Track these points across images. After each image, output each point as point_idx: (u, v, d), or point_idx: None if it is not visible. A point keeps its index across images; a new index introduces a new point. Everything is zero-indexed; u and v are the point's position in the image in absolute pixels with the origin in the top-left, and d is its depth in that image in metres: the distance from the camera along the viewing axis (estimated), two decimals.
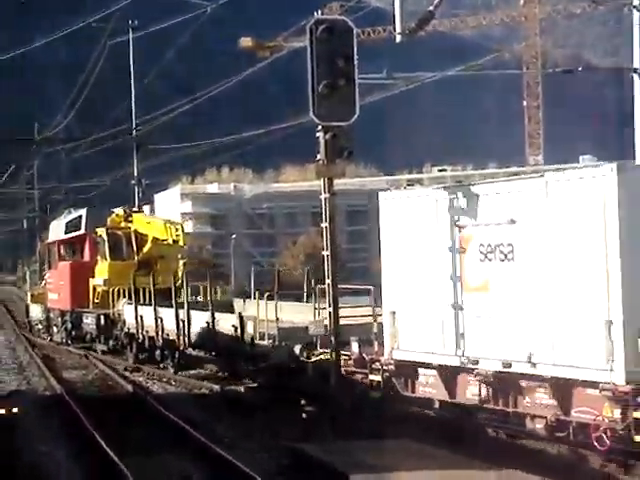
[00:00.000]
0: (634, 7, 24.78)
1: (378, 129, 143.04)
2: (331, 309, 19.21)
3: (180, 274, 32.84)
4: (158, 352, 31.64)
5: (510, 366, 16.23)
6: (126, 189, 57.45)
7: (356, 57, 18.56)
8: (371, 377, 19.64)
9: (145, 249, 37.98)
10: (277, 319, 24.12)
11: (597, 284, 14.83)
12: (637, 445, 14.28)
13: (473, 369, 17.03)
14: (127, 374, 30.90)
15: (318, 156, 18.80)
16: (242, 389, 25.36)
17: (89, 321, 38.99)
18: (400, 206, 19.05)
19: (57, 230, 45.38)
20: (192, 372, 30.07)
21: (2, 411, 20.95)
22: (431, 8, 21.39)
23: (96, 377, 31.03)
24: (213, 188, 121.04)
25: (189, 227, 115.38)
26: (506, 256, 16.53)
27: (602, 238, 14.76)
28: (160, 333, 30.74)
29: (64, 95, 71.15)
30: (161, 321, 30.63)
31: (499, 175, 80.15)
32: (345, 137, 18.65)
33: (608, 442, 14.68)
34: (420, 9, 22.98)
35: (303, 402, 21.26)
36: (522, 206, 16.21)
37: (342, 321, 20.71)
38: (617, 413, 14.51)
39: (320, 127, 18.55)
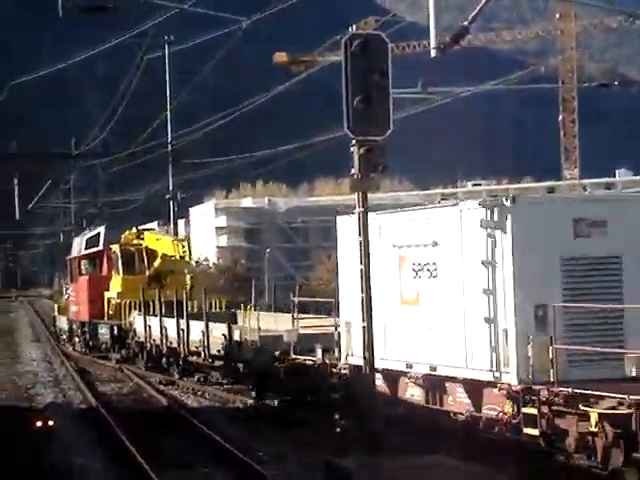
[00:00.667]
0: None
1: (414, 143, 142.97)
2: (365, 324, 19.14)
3: (187, 287, 35.97)
4: (164, 360, 34.07)
5: (435, 370, 18.74)
6: (162, 203, 57.67)
7: (391, 71, 18.57)
8: (332, 380, 21.97)
9: (155, 264, 40.59)
10: (259, 328, 26.35)
11: (497, 297, 17.35)
12: (526, 436, 16.46)
13: (408, 372, 19.49)
14: (162, 387, 31.01)
15: (352, 170, 18.81)
16: (275, 403, 25.41)
17: (104, 331, 41.56)
18: (352, 229, 20.35)
19: (78, 246, 48.66)
20: (205, 382, 31.50)
21: (39, 424, 21.10)
22: (466, 23, 21.33)
23: (131, 390, 31.16)
24: (247, 202, 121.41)
25: (224, 241, 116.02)
26: (432, 273, 19.09)
27: (500, 257, 17.31)
28: (164, 342, 33.41)
29: (101, 109, 71.64)
30: (165, 330, 33.22)
31: (536, 190, 79.81)
32: (379, 152, 18.63)
33: (507, 434, 17.14)
34: (455, 24, 22.95)
35: (337, 417, 21.24)
36: (443, 230, 18.74)
37: (310, 330, 24.78)
38: (513, 409, 16.84)
39: (354, 142, 18.57)
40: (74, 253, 49.89)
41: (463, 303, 18.17)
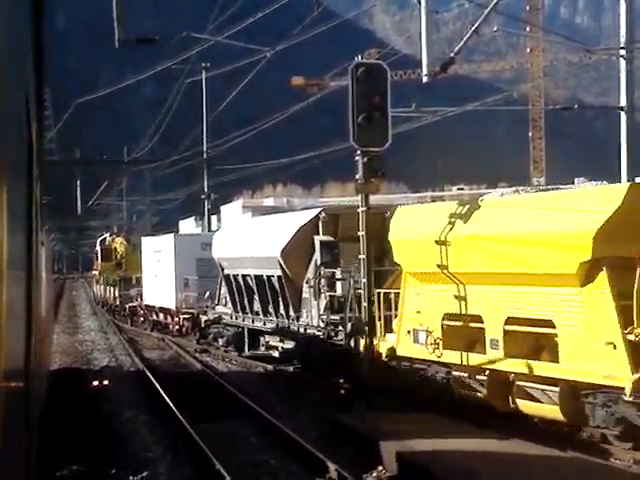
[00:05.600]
0: (621, 56, 24.67)
1: (409, 154, 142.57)
2: (366, 304, 19.13)
3: (126, 270, 53.33)
4: (106, 307, 54.13)
5: (163, 305, 37.59)
6: (198, 202, 57.76)
7: (389, 94, 18.50)
8: (141, 312, 42.88)
9: (119, 256, 57.71)
10: (123, 289, 48.96)
11: (171, 275, 36.16)
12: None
13: (156, 306, 39.36)
14: (197, 355, 30.97)
15: (357, 176, 18.77)
16: (291, 369, 25.37)
17: (92, 294, 67.08)
18: (147, 245, 41.82)
19: (97, 244, 67.33)
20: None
21: (96, 383, 21.06)
22: (452, 55, 21.28)
23: (171, 357, 31.14)
24: (269, 202, 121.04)
25: None
26: (160, 263, 38.01)
27: (171, 258, 36.43)
28: (104, 297, 56.21)
29: (149, 124, 71.51)
30: (103, 291, 57.31)
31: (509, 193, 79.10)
32: (379, 160, 18.60)
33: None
34: (443, 55, 22.89)
35: (341, 381, 21.21)
36: (162, 245, 38.22)
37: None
38: (177, 317, 37.03)
39: (359, 152, 18.52)
40: (95, 248, 67.72)
41: (166, 277, 36.72)
